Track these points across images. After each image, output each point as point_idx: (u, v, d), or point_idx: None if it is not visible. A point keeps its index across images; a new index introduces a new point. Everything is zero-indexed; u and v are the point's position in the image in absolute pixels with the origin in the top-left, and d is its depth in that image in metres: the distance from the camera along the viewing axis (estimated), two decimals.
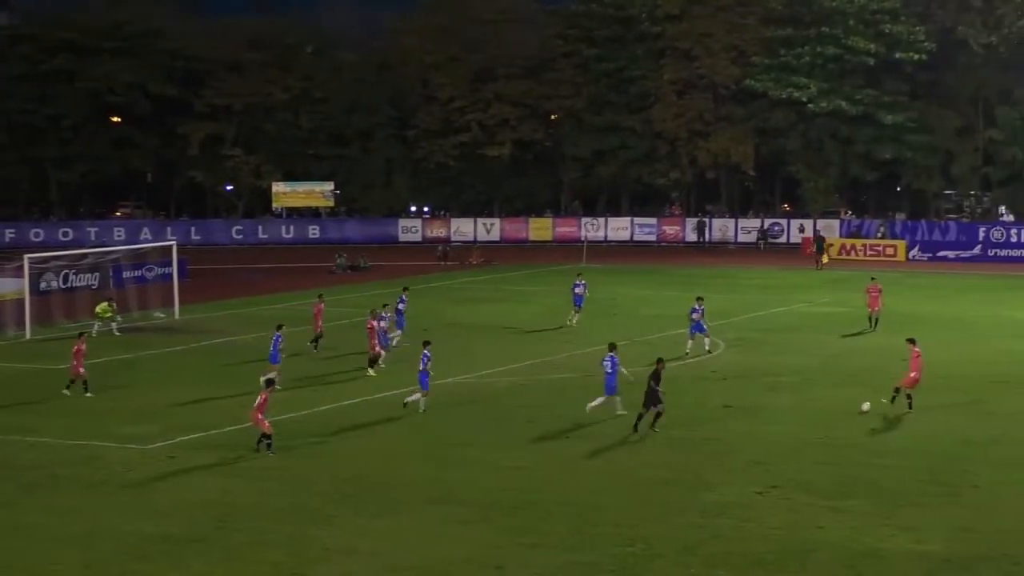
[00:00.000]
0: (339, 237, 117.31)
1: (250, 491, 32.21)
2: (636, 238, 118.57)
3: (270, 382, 37.31)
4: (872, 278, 61.63)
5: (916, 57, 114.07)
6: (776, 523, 29.14)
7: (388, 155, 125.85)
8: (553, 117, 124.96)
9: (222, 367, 50.71)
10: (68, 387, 45.05)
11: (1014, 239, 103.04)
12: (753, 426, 39.24)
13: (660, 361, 39.63)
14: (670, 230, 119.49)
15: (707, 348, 52.65)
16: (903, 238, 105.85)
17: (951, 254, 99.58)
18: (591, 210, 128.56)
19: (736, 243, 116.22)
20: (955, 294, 74.51)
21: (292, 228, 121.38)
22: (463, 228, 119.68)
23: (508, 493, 31.76)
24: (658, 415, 38.42)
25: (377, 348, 49.37)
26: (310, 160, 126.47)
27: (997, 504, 30.76)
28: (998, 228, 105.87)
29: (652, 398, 38.25)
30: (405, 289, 59.21)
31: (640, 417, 38.35)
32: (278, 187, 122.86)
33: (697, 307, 52.99)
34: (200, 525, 29.37)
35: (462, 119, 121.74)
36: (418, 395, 42.06)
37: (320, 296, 56.54)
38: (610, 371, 40.71)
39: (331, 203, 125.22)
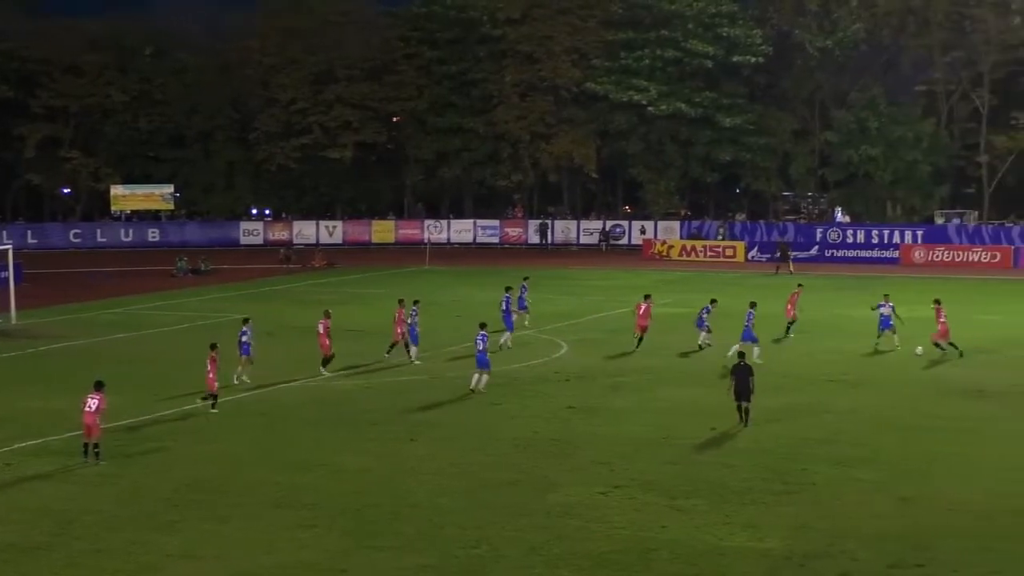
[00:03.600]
0: (180, 240, 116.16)
1: (90, 498, 31.75)
2: (479, 240, 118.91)
3: (99, 384, 36.44)
4: (799, 284, 62.76)
5: (754, 60, 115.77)
6: (620, 523, 29.32)
7: (229, 157, 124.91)
8: (395, 119, 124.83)
9: (59, 372, 49.90)
10: (206, 399, 42.54)
11: (850, 240, 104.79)
12: (597, 426, 39.47)
13: (742, 355, 41.11)
14: (513, 232, 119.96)
15: (700, 343, 54.19)
16: (742, 239, 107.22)
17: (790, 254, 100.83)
18: (434, 212, 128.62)
19: (578, 244, 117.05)
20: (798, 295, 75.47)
21: (131, 231, 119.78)
22: (305, 231, 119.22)
23: (352, 496, 31.63)
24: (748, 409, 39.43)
25: (331, 350, 48.98)
26: (150, 162, 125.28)
27: (834, 501, 31.21)
28: (834, 229, 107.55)
29: (745, 393, 39.40)
30: (526, 278, 59.87)
31: (745, 412, 39.41)
32: (117, 190, 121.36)
33: (709, 308, 55.04)
34: (39, 533, 28.88)
35: (303, 121, 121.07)
36: (485, 377, 44.81)
37: (408, 302, 53.96)
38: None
39: (171, 206, 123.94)
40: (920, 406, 42.67)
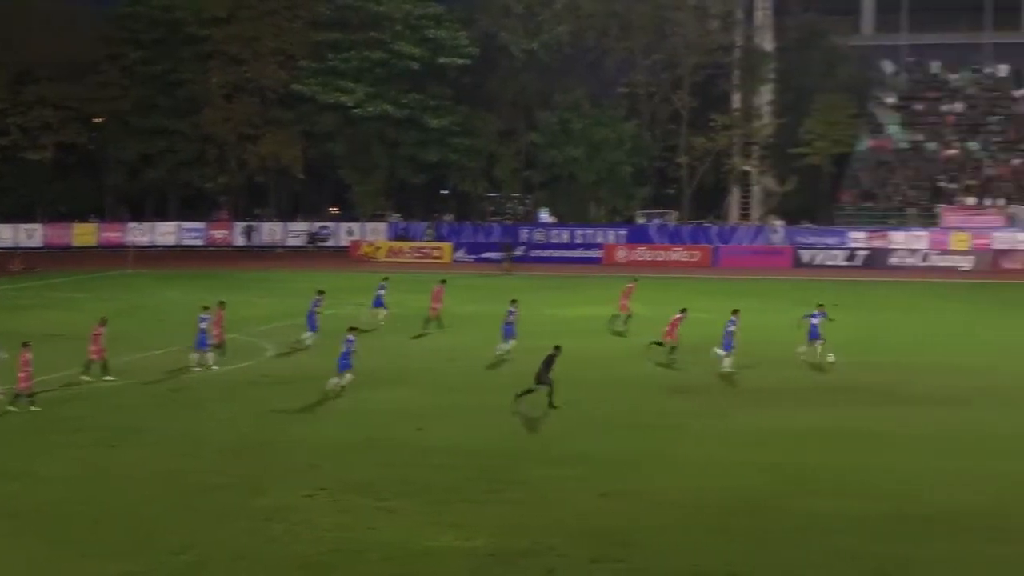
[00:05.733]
0: None
1: None
2: (184, 242, 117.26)
3: None
4: (634, 279, 64.74)
5: (460, 62, 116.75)
6: (327, 525, 29.31)
7: None
8: (97, 120, 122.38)
9: None
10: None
11: (555, 240, 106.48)
12: (306, 429, 39.40)
13: (557, 348, 42.80)
14: (218, 234, 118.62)
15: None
16: (449, 240, 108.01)
17: (495, 255, 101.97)
18: (138, 215, 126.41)
19: (285, 247, 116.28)
20: (500, 295, 76.15)
21: None
22: (3, 234, 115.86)
23: (57, 504, 30.98)
24: (550, 393, 41.73)
25: (99, 355, 47.81)
26: None
27: (542, 499, 31.67)
28: (539, 230, 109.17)
29: (543, 378, 41.48)
30: (320, 292, 58.54)
31: (529, 391, 41.60)
32: None
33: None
34: None
35: (2, 122, 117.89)
36: (348, 376, 44.41)
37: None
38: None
39: None
40: (626, 403, 43.58)
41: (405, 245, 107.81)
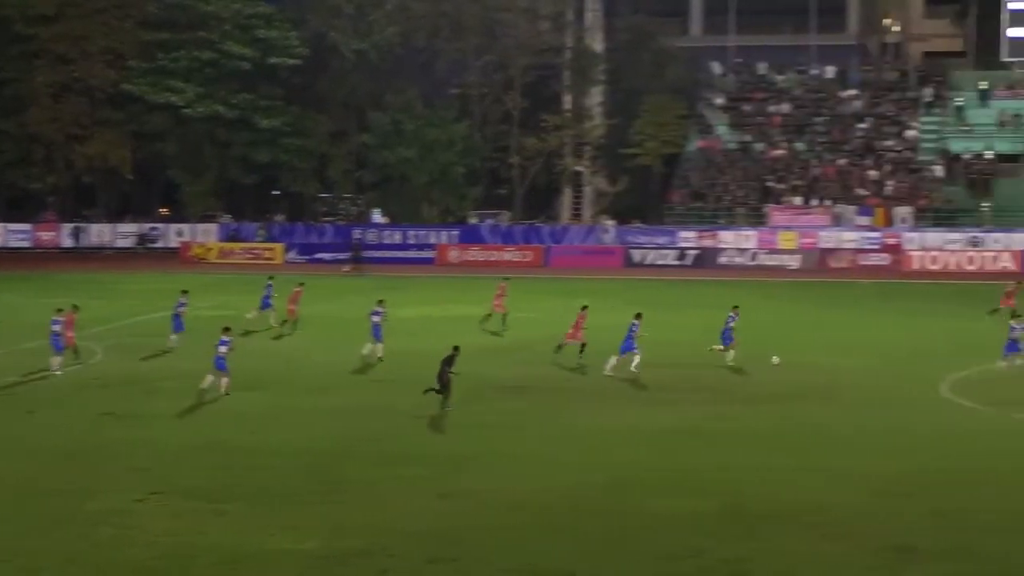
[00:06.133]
0: None
1: None
2: (10, 244, 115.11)
3: None
4: (506, 279, 65.02)
5: (291, 62, 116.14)
6: (158, 530, 28.99)
7: None
8: None
9: None
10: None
11: (387, 241, 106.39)
12: (137, 432, 38.92)
13: (456, 348, 42.98)
14: (45, 236, 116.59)
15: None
16: (281, 241, 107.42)
17: (328, 256, 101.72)
18: None
19: (114, 248, 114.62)
20: (335, 295, 76.03)
21: None
22: None
23: None
24: (445, 397, 42.08)
25: None
26: None
27: (376, 500, 31.66)
28: (372, 230, 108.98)
29: (442, 380, 41.74)
30: (184, 292, 58.22)
31: (429, 391, 41.88)
32: None
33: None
34: None
35: None
36: (225, 380, 44.07)
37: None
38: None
39: None
40: (470, 403, 43.47)
41: (236, 246, 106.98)
